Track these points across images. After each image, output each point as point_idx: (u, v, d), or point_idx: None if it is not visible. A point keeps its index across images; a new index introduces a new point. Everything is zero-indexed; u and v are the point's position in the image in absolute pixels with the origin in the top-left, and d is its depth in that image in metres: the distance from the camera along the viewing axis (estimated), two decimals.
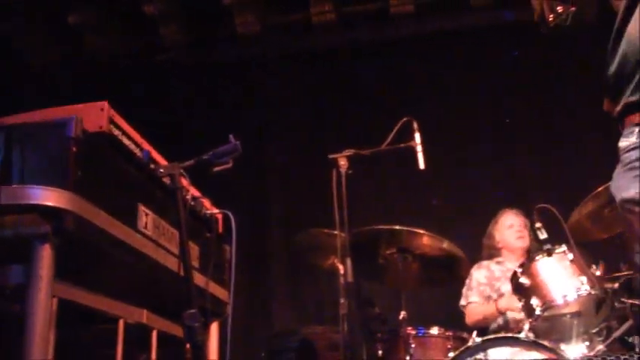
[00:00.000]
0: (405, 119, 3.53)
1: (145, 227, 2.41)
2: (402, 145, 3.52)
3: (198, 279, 2.77)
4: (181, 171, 2.20)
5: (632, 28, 2.05)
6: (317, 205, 4.64)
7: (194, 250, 2.84)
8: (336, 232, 3.31)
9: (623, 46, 2.07)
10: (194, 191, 2.82)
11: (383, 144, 3.54)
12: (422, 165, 3.45)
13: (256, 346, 4.62)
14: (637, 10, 2.04)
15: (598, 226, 3.70)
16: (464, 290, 4.29)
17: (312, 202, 5.16)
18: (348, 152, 3.44)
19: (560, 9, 2.03)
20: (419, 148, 3.48)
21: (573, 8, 2.02)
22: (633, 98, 2.04)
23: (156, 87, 5.78)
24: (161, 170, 2.22)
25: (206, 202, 2.91)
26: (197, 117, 5.69)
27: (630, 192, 2.03)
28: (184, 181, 2.36)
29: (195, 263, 2.83)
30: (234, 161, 2.28)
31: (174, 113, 5.72)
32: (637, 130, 2.04)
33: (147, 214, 2.42)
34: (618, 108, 2.09)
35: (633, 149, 2.05)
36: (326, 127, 5.59)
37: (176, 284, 2.31)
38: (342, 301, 3.25)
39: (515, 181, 5.36)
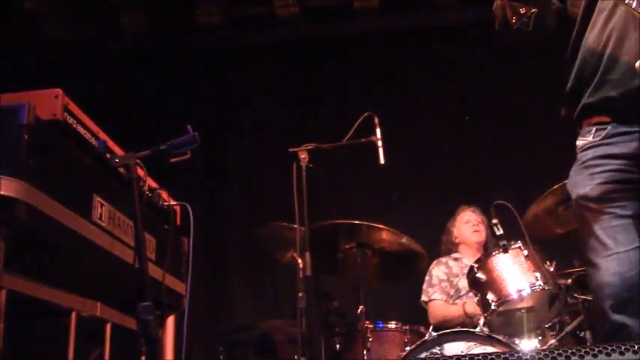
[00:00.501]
0: (366, 114, 3.53)
1: (100, 218, 2.36)
2: (363, 140, 3.52)
3: (155, 271, 2.73)
4: (137, 161, 2.15)
5: (588, 33, 2.11)
6: (277, 199, 4.65)
7: (151, 242, 2.80)
8: (295, 226, 3.30)
9: (581, 52, 2.13)
10: (151, 182, 2.77)
11: (344, 138, 3.54)
12: (382, 160, 3.45)
13: (215, 340, 4.59)
14: (594, 18, 2.10)
15: (554, 222, 3.77)
16: (424, 287, 4.32)
17: (272, 195, 5.16)
18: (309, 146, 3.42)
19: (522, 10, 2.06)
20: (379, 144, 3.48)
21: (535, 10, 2.05)
22: (590, 100, 2.09)
23: (115, 75, 5.67)
24: (116, 160, 2.17)
25: (164, 194, 2.87)
26: (157, 107, 5.60)
27: (586, 189, 2.07)
28: (141, 172, 2.32)
29: (152, 256, 2.79)
30: (192, 152, 2.24)
31: (133, 102, 5.63)
32: (594, 129, 2.10)
33: (102, 205, 2.37)
34: (576, 110, 2.14)
35: (589, 148, 2.11)
36: (287, 121, 5.58)
37: (131, 276, 2.27)
38: (300, 295, 3.25)
39: (476, 178, 5.43)
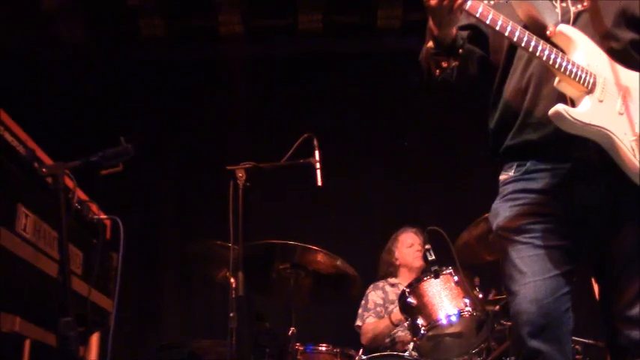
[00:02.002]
0: (305, 135, 3.55)
1: (24, 230, 2.27)
2: (302, 161, 3.53)
3: (80, 286, 2.65)
4: (66, 171, 2.09)
5: (510, 80, 2.20)
6: (213, 217, 4.58)
7: (77, 256, 2.71)
8: (229, 245, 3.26)
9: (503, 97, 2.21)
10: (81, 194, 2.69)
11: (283, 159, 3.54)
12: (320, 182, 3.47)
13: (142, 359, 4.47)
14: (514, 65, 2.19)
15: (484, 249, 3.85)
16: (360, 311, 4.33)
17: (208, 213, 5.09)
18: (247, 165, 3.41)
19: (444, 64, 2.13)
20: (318, 165, 3.50)
21: (456, 63, 2.13)
22: (512, 143, 2.18)
23: (53, 85, 5.52)
24: (44, 169, 2.10)
25: (93, 207, 2.79)
26: (92, 117, 5.47)
27: (505, 220, 2.15)
28: (70, 183, 2.26)
29: (78, 270, 2.70)
30: (124, 164, 2.20)
31: (67, 112, 5.48)
32: (515, 165, 2.18)
33: (27, 216, 2.28)
34: (499, 150, 2.23)
35: (510, 182, 2.19)
36: (227, 138, 5.52)
37: (54, 291, 2.19)
38: (231, 314, 3.20)
39: (411, 203, 5.51)
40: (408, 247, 4.47)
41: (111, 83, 5.62)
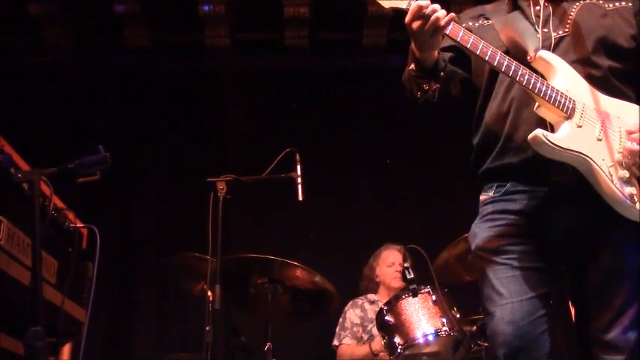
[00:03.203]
0: (288, 150, 3.54)
1: None
2: (283, 175, 3.52)
3: (54, 296, 2.61)
4: (43, 178, 2.06)
5: (491, 103, 2.21)
6: (192, 228, 4.55)
7: (52, 264, 2.67)
8: (207, 257, 3.23)
9: (485, 120, 2.22)
10: (58, 202, 2.66)
11: (264, 172, 3.53)
12: (301, 197, 3.46)
13: None
14: (496, 88, 2.20)
15: (463, 270, 3.86)
16: (337, 329, 4.30)
17: (187, 224, 5.06)
18: (228, 177, 3.39)
19: (426, 86, 2.15)
20: (299, 180, 3.49)
21: (437, 85, 2.15)
22: (492, 165, 2.19)
23: (32, 90, 5.47)
24: (19, 175, 2.07)
25: (70, 215, 2.76)
26: (72, 125, 5.42)
27: (483, 241, 2.15)
28: (47, 190, 2.22)
29: (52, 279, 2.66)
30: (102, 173, 2.17)
31: (47, 118, 5.43)
32: (495, 186, 2.19)
33: (0, 222, 2.25)
34: (480, 172, 2.24)
35: (490, 203, 2.20)
36: (208, 150, 5.50)
37: (26, 299, 2.15)
38: (207, 328, 3.17)
39: (392, 220, 5.50)
40: (389, 265, 4.45)
41: (93, 91, 5.58)
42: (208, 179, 3.39)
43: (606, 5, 2.22)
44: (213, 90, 5.69)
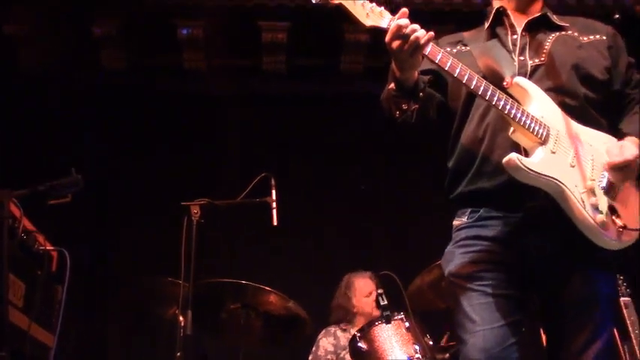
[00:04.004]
0: (263, 174, 3.54)
1: None
2: (258, 200, 3.52)
3: (20, 320, 2.55)
4: (13, 200, 2.03)
5: (467, 127, 2.24)
6: (165, 252, 4.50)
7: (19, 288, 2.62)
8: (180, 282, 3.20)
9: (460, 144, 2.25)
10: (28, 224, 2.62)
11: (239, 197, 3.52)
12: (275, 222, 3.46)
13: None
14: (472, 113, 2.23)
15: (437, 296, 3.86)
16: (310, 358, 4.27)
17: (160, 248, 4.99)
18: (202, 201, 3.38)
19: (404, 106, 2.16)
20: (274, 205, 3.49)
21: (416, 106, 2.17)
22: (466, 190, 2.21)
23: (4, 109, 5.41)
24: None
25: (40, 237, 2.71)
26: (45, 146, 5.35)
27: (457, 267, 2.16)
28: (16, 211, 2.19)
29: (19, 302, 2.61)
30: (74, 196, 2.14)
31: (20, 139, 5.37)
32: (468, 211, 2.20)
33: None
34: (453, 196, 2.26)
35: (463, 228, 2.21)
36: (183, 174, 5.46)
37: None
38: (178, 354, 3.13)
39: (366, 246, 5.50)
40: (367, 295, 4.41)
41: (68, 112, 5.53)
42: (182, 203, 3.37)
43: (581, 38, 2.27)
44: (190, 113, 5.68)
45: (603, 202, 2.08)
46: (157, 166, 5.50)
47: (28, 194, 2.07)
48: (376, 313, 4.29)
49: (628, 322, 3.58)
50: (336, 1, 1.98)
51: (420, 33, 2.00)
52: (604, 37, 2.28)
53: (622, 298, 3.59)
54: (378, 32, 2.02)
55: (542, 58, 2.20)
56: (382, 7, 2.05)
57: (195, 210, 3.34)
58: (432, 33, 2.02)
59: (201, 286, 3.39)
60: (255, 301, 3.74)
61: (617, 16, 2.11)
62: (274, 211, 3.47)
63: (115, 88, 5.72)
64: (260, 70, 5.80)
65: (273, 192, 3.51)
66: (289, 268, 5.21)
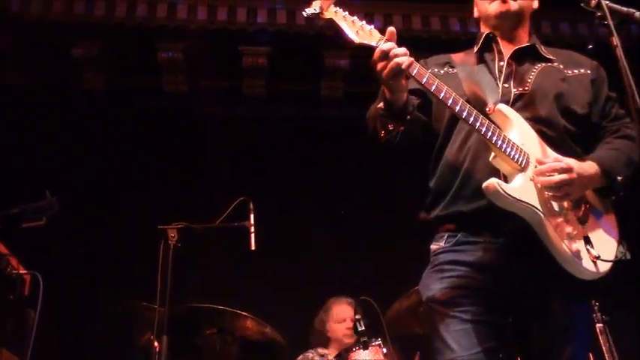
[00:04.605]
0: (241, 198, 3.53)
1: None
2: (236, 223, 3.51)
3: None
4: None
5: (448, 150, 2.25)
6: (141, 276, 4.45)
7: None
8: (155, 306, 3.16)
9: (440, 165, 2.26)
10: (1, 247, 2.58)
11: (217, 220, 3.50)
12: (253, 246, 3.45)
13: None
14: (454, 136, 2.25)
15: (415, 321, 3.84)
16: None
17: (136, 272, 4.94)
18: (179, 225, 3.36)
19: (390, 127, 2.17)
20: (252, 229, 3.48)
21: (402, 128, 2.17)
22: (444, 212, 2.21)
23: None
24: None
25: (13, 261, 2.67)
26: (20, 169, 5.28)
27: (435, 292, 2.15)
28: None
29: None
30: (49, 219, 2.12)
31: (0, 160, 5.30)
32: (446, 236, 2.20)
33: None
34: (431, 217, 2.26)
35: (441, 253, 2.20)
36: (161, 197, 5.42)
37: None
38: None
39: (345, 271, 5.48)
40: (340, 322, 4.38)
41: (45, 133, 5.48)
42: (160, 226, 3.35)
43: (566, 71, 2.31)
44: (170, 136, 5.66)
45: (578, 232, 2.10)
46: (134, 189, 5.45)
47: (1, 217, 2.04)
48: (348, 340, 4.27)
49: (604, 348, 3.61)
50: (328, 16, 2.01)
51: (402, 59, 2.02)
52: (588, 71, 2.32)
53: (597, 325, 3.62)
54: (359, 57, 2.04)
55: (526, 88, 2.23)
56: (372, 26, 2.08)
57: (173, 233, 3.32)
58: (411, 59, 2.04)
59: (177, 310, 3.35)
60: (232, 326, 3.70)
61: (591, 46, 2.15)
62: (252, 235, 3.47)
63: (94, 109, 5.69)
64: (240, 93, 5.81)
65: (252, 216, 3.50)
66: (266, 292, 5.16)
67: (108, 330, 4.81)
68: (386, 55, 2.01)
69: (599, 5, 1.89)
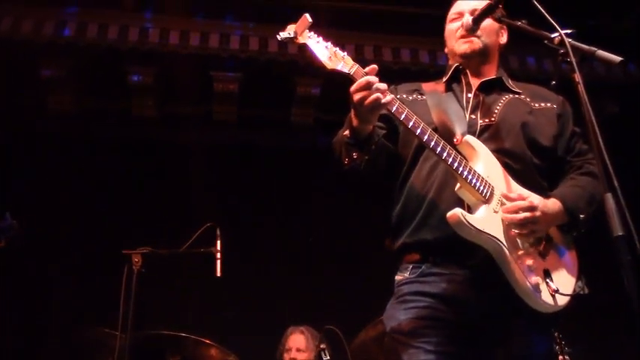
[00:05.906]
0: (208, 224, 3.51)
1: None
2: (202, 250, 3.48)
3: None
4: None
5: (414, 178, 2.27)
6: (104, 302, 4.37)
7: None
8: (116, 333, 3.10)
9: (405, 193, 2.28)
10: None
11: (183, 246, 3.47)
12: (219, 273, 3.42)
13: None
14: (420, 164, 2.27)
15: (381, 351, 3.82)
16: None
17: (98, 297, 4.84)
18: (144, 250, 3.32)
19: (355, 155, 2.18)
20: (218, 256, 3.45)
21: (367, 157, 2.18)
22: (409, 240, 2.22)
23: None
24: None
25: None
26: None
27: (399, 323, 2.15)
28: None
29: None
30: (8, 241, 2.07)
31: None
32: (410, 267, 2.21)
33: None
34: (396, 246, 2.27)
35: (405, 284, 2.21)
36: (126, 222, 5.34)
37: None
38: None
39: (311, 300, 5.45)
40: (287, 350, 4.36)
41: (8, 156, 5.38)
42: (124, 251, 3.30)
43: (533, 104, 2.35)
44: (136, 160, 5.60)
45: (539, 265, 2.12)
46: (99, 213, 5.37)
47: None
48: None
49: None
50: (302, 41, 2.02)
51: (386, 97, 2.03)
52: (554, 106, 2.36)
53: (561, 356, 3.63)
54: (331, 85, 2.05)
55: (493, 119, 2.27)
56: (345, 53, 2.09)
57: (137, 259, 3.28)
58: (392, 96, 2.06)
59: (140, 337, 3.29)
60: (196, 355, 3.66)
61: (554, 82, 2.20)
62: (218, 262, 3.44)
63: (60, 131, 5.61)
64: (211, 119, 5.80)
65: (218, 242, 3.48)
66: (231, 320, 5.11)
67: (66, 357, 4.69)
68: (369, 87, 2.02)
69: (562, 43, 1.94)
